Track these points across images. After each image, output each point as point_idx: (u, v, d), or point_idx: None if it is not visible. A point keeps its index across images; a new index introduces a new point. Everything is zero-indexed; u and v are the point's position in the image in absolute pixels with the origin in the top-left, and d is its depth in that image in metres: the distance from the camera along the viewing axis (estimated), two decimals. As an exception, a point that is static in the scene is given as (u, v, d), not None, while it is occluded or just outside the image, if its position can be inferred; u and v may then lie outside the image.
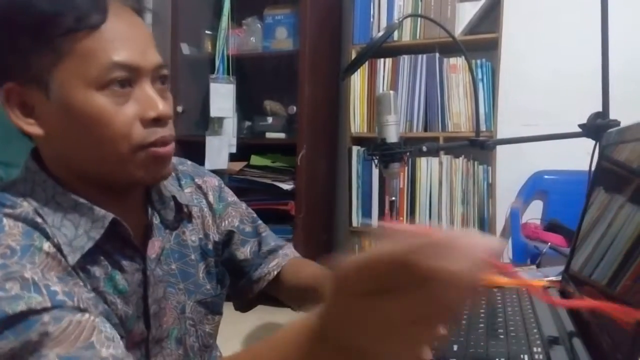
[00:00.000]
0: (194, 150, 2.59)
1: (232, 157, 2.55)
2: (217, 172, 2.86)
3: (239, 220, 0.74)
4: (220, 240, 0.71)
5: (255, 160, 2.55)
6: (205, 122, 2.59)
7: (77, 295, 0.47)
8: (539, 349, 0.51)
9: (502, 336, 0.56)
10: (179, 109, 2.64)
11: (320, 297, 0.64)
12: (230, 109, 2.53)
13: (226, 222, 0.72)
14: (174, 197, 0.62)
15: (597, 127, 0.92)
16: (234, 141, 2.55)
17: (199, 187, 0.70)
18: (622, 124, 0.88)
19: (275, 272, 0.74)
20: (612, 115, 0.93)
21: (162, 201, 0.61)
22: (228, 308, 2.71)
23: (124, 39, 0.50)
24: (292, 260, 0.76)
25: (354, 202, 2.50)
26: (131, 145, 0.51)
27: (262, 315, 2.43)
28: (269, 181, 2.47)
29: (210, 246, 0.68)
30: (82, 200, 0.52)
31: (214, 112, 2.50)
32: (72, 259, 0.50)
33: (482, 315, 0.64)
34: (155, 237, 0.59)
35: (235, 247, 0.73)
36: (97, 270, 0.52)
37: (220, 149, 2.53)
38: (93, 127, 0.50)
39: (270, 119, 2.57)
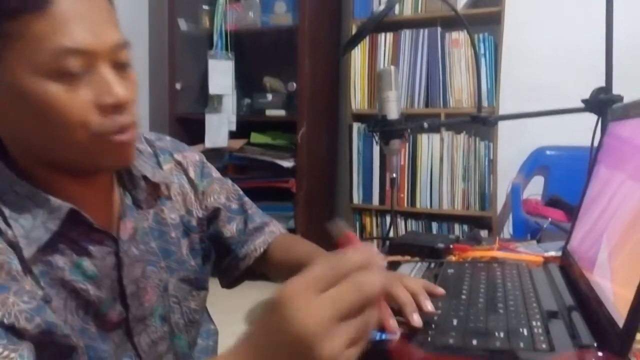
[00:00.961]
0: (193, 128, 2.58)
1: (232, 135, 2.54)
2: (217, 150, 2.83)
3: (225, 197, 0.73)
4: (205, 216, 0.70)
5: (256, 137, 2.54)
6: (204, 100, 2.57)
7: (7, 309, 0.44)
8: (538, 323, 0.52)
9: (501, 311, 0.57)
10: (177, 86, 2.61)
11: None
12: (229, 85, 2.51)
13: (211, 198, 0.71)
14: (145, 177, 0.60)
15: (600, 102, 0.91)
16: (233, 118, 2.54)
17: (179, 163, 0.68)
18: (626, 100, 0.87)
19: (262, 249, 0.74)
20: (616, 91, 0.92)
21: (133, 181, 0.59)
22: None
23: (76, 19, 0.46)
24: (279, 237, 0.76)
25: (354, 179, 2.50)
26: (89, 134, 0.48)
27: (263, 290, 2.47)
28: (269, 159, 2.47)
29: (194, 222, 0.67)
30: (38, 190, 0.50)
31: (212, 89, 2.48)
32: (28, 252, 0.48)
33: (482, 290, 0.65)
34: (127, 218, 0.58)
35: (221, 224, 0.72)
36: (60, 260, 0.51)
37: (219, 126, 2.51)
38: (46, 116, 0.47)
39: (269, 96, 2.55)
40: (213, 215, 0.72)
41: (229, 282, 0.79)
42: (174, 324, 0.63)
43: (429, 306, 0.57)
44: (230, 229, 0.73)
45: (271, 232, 0.76)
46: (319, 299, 0.35)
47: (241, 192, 0.77)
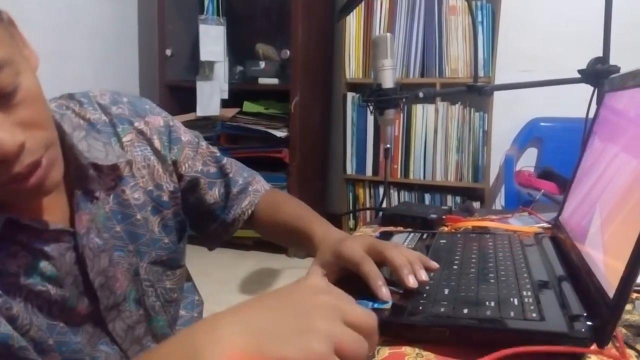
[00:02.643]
0: (184, 96, 2.54)
1: (224, 104, 2.50)
2: (208, 119, 2.78)
3: (201, 162, 0.68)
4: (179, 188, 0.65)
5: (248, 106, 2.51)
6: (195, 67, 2.52)
7: None
8: (529, 293, 0.52)
9: (492, 281, 0.57)
10: (168, 52, 2.55)
11: (298, 237, 0.66)
12: (221, 52, 2.45)
13: (185, 166, 0.66)
14: (93, 164, 0.54)
15: (596, 72, 0.90)
16: (225, 87, 2.49)
17: (141, 132, 0.61)
18: (623, 71, 0.86)
19: (250, 211, 0.72)
20: (613, 62, 0.90)
21: (78, 173, 0.54)
22: (226, 253, 2.74)
23: None
24: (264, 196, 0.74)
25: (348, 149, 2.49)
26: None
27: (258, 260, 2.50)
28: (262, 128, 2.44)
29: (165, 198, 0.62)
30: None
31: (204, 56, 2.42)
32: None
33: (474, 260, 0.65)
34: (81, 211, 0.53)
35: (203, 192, 0.69)
36: (13, 265, 0.48)
37: (211, 94, 2.47)
38: None
39: (262, 64, 2.50)
40: (191, 185, 0.67)
41: (217, 245, 0.76)
42: (150, 307, 0.61)
43: (423, 276, 0.55)
44: (213, 195, 0.70)
45: (256, 191, 0.73)
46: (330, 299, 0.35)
47: (218, 153, 0.72)
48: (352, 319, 0.33)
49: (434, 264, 0.59)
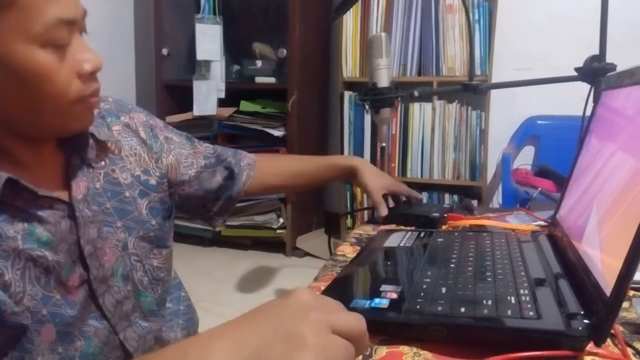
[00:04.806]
0: (181, 95, 2.53)
1: (221, 103, 2.49)
2: (205, 118, 2.78)
3: (202, 157, 0.79)
4: (165, 177, 0.71)
5: (245, 106, 2.50)
6: (192, 66, 2.51)
7: None
8: (526, 291, 0.52)
9: (489, 279, 0.57)
10: (164, 51, 2.54)
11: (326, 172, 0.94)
12: (217, 51, 2.45)
13: (170, 157, 0.72)
14: (92, 135, 0.60)
15: (593, 70, 0.90)
16: (222, 86, 2.49)
17: (127, 125, 0.68)
18: (619, 68, 0.86)
19: (249, 183, 0.84)
20: (610, 59, 0.90)
21: (80, 140, 0.59)
22: (225, 252, 2.75)
23: None
24: (255, 166, 0.87)
25: (345, 148, 2.49)
26: (69, 100, 0.51)
27: (256, 259, 2.49)
28: (259, 127, 2.44)
29: (153, 181, 0.67)
30: None
31: (200, 55, 2.42)
32: None
33: (471, 259, 0.65)
34: (78, 178, 0.58)
35: (207, 182, 0.79)
36: (10, 230, 0.50)
37: (208, 94, 2.47)
38: (33, 84, 0.49)
39: (259, 63, 2.49)
40: (196, 177, 0.77)
41: (221, 221, 0.86)
42: (138, 282, 0.64)
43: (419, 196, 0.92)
44: (217, 180, 0.80)
45: (248, 165, 0.86)
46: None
47: (211, 147, 0.82)
48: (341, 328, 0.35)
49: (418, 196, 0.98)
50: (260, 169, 0.87)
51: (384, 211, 0.90)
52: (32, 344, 0.50)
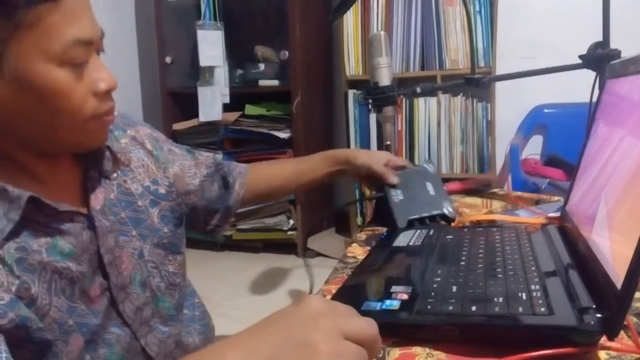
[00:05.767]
0: (186, 102, 2.54)
1: (226, 108, 2.50)
2: (211, 124, 2.79)
3: (204, 166, 0.81)
4: (174, 188, 0.73)
5: (250, 109, 2.51)
6: (196, 72, 2.52)
7: None
8: (537, 287, 0.52)
9: (500, 275, 0.57)
10: (167, 59, 2.56)
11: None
12: (220, 56, 2.46)
13: (175, 167, 0.75)
14: (108, 147, 0.62)
15: (597, 57, 0.89)
16: (226, 91, 2.50)
17: (134, 138, 0.70)
18: (624, 55, 0.85)
19: (242, 191, 0.86)
20: (614, 45, 0.89)
21: (97, 152, 0.61)
22: (237, 256, 2.77)
23: (82, 12, 0.50)
24: (247, 174, 0.89)
25: (352, 146, 2.48)
26: (84, 117, 0.53)
27: (268, 262, 2.50)
28: (265, 130, 2.45)
29: (162, 190, 0.70)
30: None
31: (203, 61, 2.43)
32: None
33: (481, 255, 0.65)
34: (97, 190, 0.60)
35: (208, 191, 0.81)
36: (34, 244, 0.51)
37: (213, 99, 2.48)
38: (50, 101, 0.50)
39: (262, 66, 2.50)
40: (200, 190, 0.79)
41: (222, 232, 0.87)
42: (155, 288, 0.65)
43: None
44: (215, 189, 0.83)
45: (239, 173, 0.88)
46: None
47: (210, 155, 0.85)
48: (353, 333, 0.35)
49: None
50: (253, 175, 0.89)
51: (392, 179, 0.89)
52: (57, 358, 0.51)
